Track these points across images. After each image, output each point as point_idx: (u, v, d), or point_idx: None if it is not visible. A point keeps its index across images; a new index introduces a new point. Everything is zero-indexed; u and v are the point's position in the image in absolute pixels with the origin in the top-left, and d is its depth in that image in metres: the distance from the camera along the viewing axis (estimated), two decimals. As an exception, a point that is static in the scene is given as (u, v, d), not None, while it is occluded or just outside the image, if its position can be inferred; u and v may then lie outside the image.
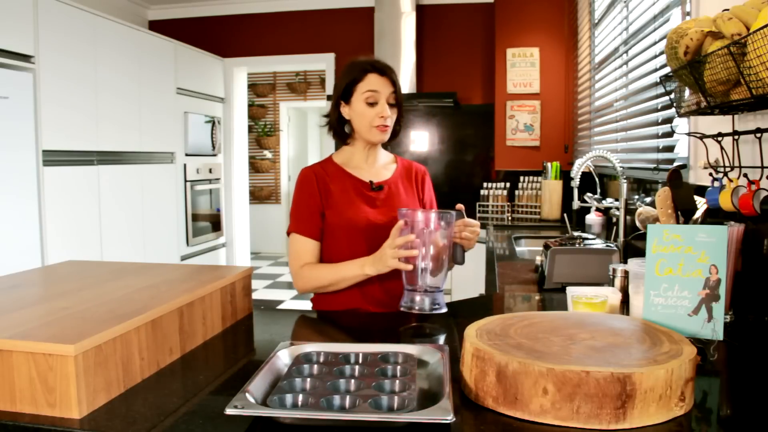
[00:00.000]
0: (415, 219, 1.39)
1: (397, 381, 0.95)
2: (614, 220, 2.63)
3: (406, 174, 1.73)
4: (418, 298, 1.38)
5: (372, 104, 1.59)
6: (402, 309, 1.40)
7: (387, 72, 1.61)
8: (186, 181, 4.58)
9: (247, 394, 0.86)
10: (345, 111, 1.64)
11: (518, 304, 1.73)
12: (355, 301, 1.59)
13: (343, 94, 1.63)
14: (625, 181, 2.32)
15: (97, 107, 3.61)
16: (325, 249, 1.63)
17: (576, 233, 2.12)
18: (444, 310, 1.39)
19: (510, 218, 4.24)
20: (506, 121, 4.46)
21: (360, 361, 1.04)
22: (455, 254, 1.48)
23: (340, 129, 1.67)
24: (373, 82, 1.59)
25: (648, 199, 2.21)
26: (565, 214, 3.72)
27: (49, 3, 3.19)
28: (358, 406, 0.86)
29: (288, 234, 1.65)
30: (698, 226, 1.14)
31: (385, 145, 1.74)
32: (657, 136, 2.23)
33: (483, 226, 1.47)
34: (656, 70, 2.22)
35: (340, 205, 1.61)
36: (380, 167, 1.71)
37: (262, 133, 8.06)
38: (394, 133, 1.69)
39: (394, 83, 1.61)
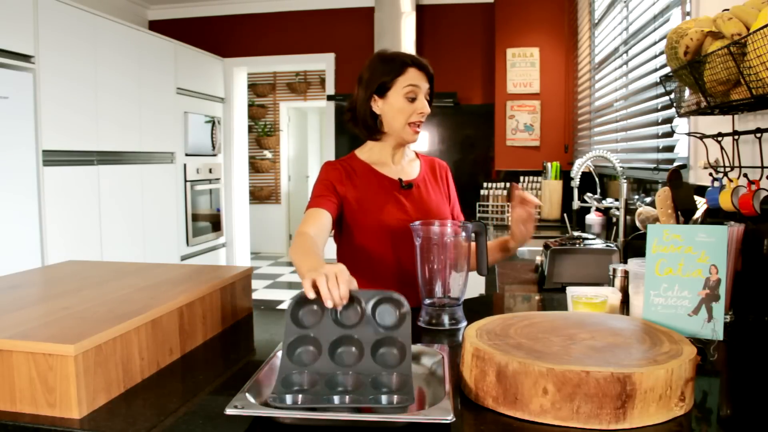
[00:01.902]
0: (430, 232, 1.36)
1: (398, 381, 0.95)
2: (614, 220, 2.63)
3: (431, 171, 1.70)
4: (437, 315, 1.36)
5: (412, 100, 1.53)
6: (420, 325, 1.38)
7: (424, 68, 1.55)
8: (186, 181, 4.58)
9: (247, 394, 0.86)
10: (377, 106, 1.55)
11: (518, 304, 1.73)
12: None
13: (379, 88, 1.53)
14: (625, 181, 2.32)
15: (97, 107, 3.61)
16: (355, 249, 1.58)
17: (576, 233, 2.12)
18: (464, 323, 1.37)
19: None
20: (506, 121, 4.46)
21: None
22: (479, 265, 1.46)
23: (372, 123, 1.58)
24: (413, 76, 1.52)
25: (648, 199, 2.21)
26: (565, 214, 3.72)
27: (49, 3, 3.19)
28: (357, 406, 0.86)
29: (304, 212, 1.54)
30: (698, 226, 1.14)
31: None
32: (657, 136, 2.23)
33: (483, 226, 1.45)
34: (656, 70, 2.22)
35: (370, 205, 1.56)
36: (405, 164, 1.67)
37: (262, 133, 8.06)
38: None
39: (430, 80, 1.56)
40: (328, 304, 1.02)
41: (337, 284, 1.03)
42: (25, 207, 3.07)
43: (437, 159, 1.76)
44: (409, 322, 1.03)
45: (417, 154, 1.74)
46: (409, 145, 1.67)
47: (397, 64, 1.53)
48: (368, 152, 1.64)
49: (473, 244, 1.45)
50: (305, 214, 1.51)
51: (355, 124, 1.63)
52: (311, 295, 1.04)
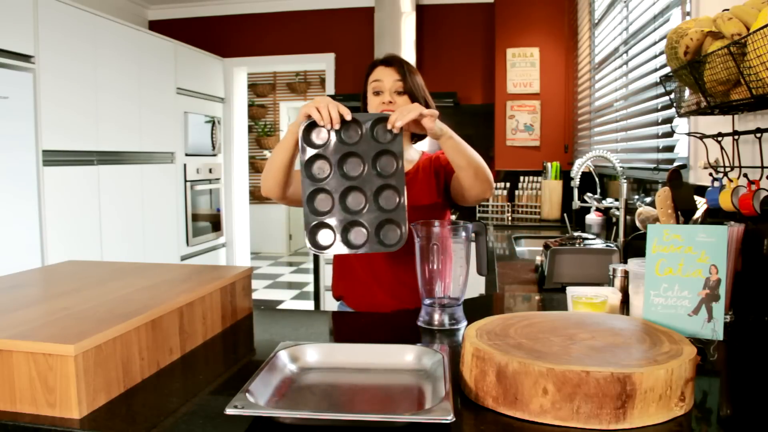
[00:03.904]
0: (430, 232, 1.36)
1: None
2: (614, 220, 2.63)
3: (428, 164, 1.72)
4: (436, 315, 1.36)
5: (377, 93, 1.62)
6: (420, 325, 1.39)
7: (393, 63, 1.63)
8: (186, 181, 4.58)
9: (247, 394, 0.86)
10: (368, 107, 1.68)
11: (518, 304, 1.73)
12: (369, 286, 1.62)
13: (364, 91, 1.69)
14: (625, 181, 2.32)
15: (97, 107, 3.62)
16: None
17: (576, 233, 2.13)
18: (464, 323, 1.37)
19: (510, 218, 4.24)
20: (506, 121, 4.47)
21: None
22: (479, 265, 1.47)
23: None
24: (377, 73, 1.63)
25: (648, 199, 2.21)
26: (565, 214, 3.73)
27: (49, 3, 3.19)
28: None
29: None
30: (698, 226, 1.14)
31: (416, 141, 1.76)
32: (657, 136, 2.23)
33: (483, 226, 1.45)
34: (656, 70, 2.22)
35: None
36: (407, 161, 1.71)
37: (262, 133, 8.07)
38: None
39: (400, 73, 1.61)
40: (336, 125, 1.29)
41: (336, 108, 1.29)
42: (25, 207, 3.07)
43: (438, 151, 1.77)
44: (401, 138, 1.31)
45: (423, 153, 1.77)
46: (413, 146, 1.74)
47: (369, 66, 1.68)
48: None
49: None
50: None
51: None
52: (316, 114, 1.28)
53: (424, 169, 1.71)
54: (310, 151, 1.32)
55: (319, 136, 1.33)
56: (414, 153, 1.76)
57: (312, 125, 1.32)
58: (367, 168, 1.32)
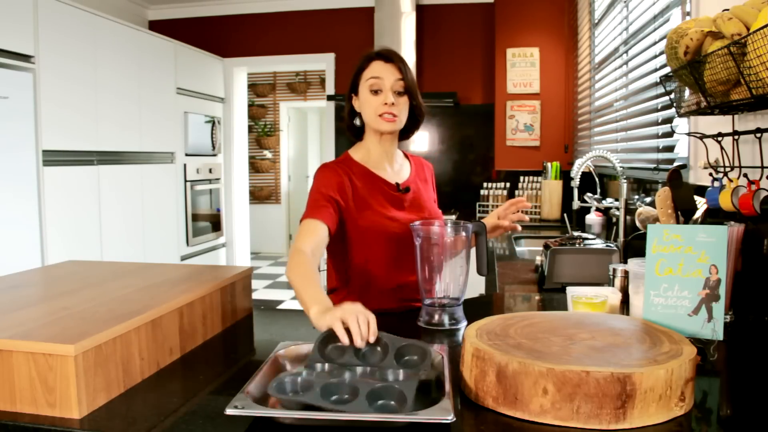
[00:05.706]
0: (431, 232, 1.36)
1: (398, 381, 0.95)
2: (614, 220, 2.63)
3: (419, 171, 1.70)
4: (437, 315, 1.36)
5: (376, 92, 1.51)
6: (420, 325, 1.38)
7: (393, 59, 1.53)
8: (186, 181, 4.58)
9: (247, 395, 0.86)
10: (356, 103, 1.58)
11: (518, 304, 1.73)
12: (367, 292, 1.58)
13: (352, 85, 1.58)
14: (625, 181, 2.32)
15: (97, 107, 3.61)
16: (358, 252, 1.53)
17: (576, 233, 2.12)
18: (464, 323, 1.37)
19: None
20: (506, 121, 4.46)
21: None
22: (479, 265, 1.46)
23: (351, 122, 1.62)
24: (376, 69, 1.52)
25: (648, 199, 2.21)
26: (565, 214, 3.73)
27: (49, 3, 3.19)
28: (358, 405, 0.86)
29: (300, 222, 1.46)
30: (698, 226, 1.14)
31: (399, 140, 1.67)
32: (657, 136, 2.23)
33: (483, 226, 1.45)
34: (656, 70, 2.22)
35: (372, 209, 1.52)
36: (398, 166, 1.65)
37: (262, 133, 8.06)
38: (411, 127, 1.62)
39: (401, 71, 1.52)
40: (358, 342, 1.01)
41: (367, 324, 1.03)
42: (25, 207, 3.07)
43: (423, 159, 1.77)
44: (429, 362, 1.00)
45: (405, 155, 1.72)
46: (396, 146, 1.66)
47: (363, 59, 1.56)
48: (361, 152, 1.61)
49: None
50: (301, 224, 1.43)
51: (348, 128, 1.65)
52: (346, 340, 1.02)
53: (421, 180, 1.69)
54: (320, 360, 1.03)
55: (335, 350, 1.05)
56: (399, 153, 1.69)
57: (331, 336, 1.06)
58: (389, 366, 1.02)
